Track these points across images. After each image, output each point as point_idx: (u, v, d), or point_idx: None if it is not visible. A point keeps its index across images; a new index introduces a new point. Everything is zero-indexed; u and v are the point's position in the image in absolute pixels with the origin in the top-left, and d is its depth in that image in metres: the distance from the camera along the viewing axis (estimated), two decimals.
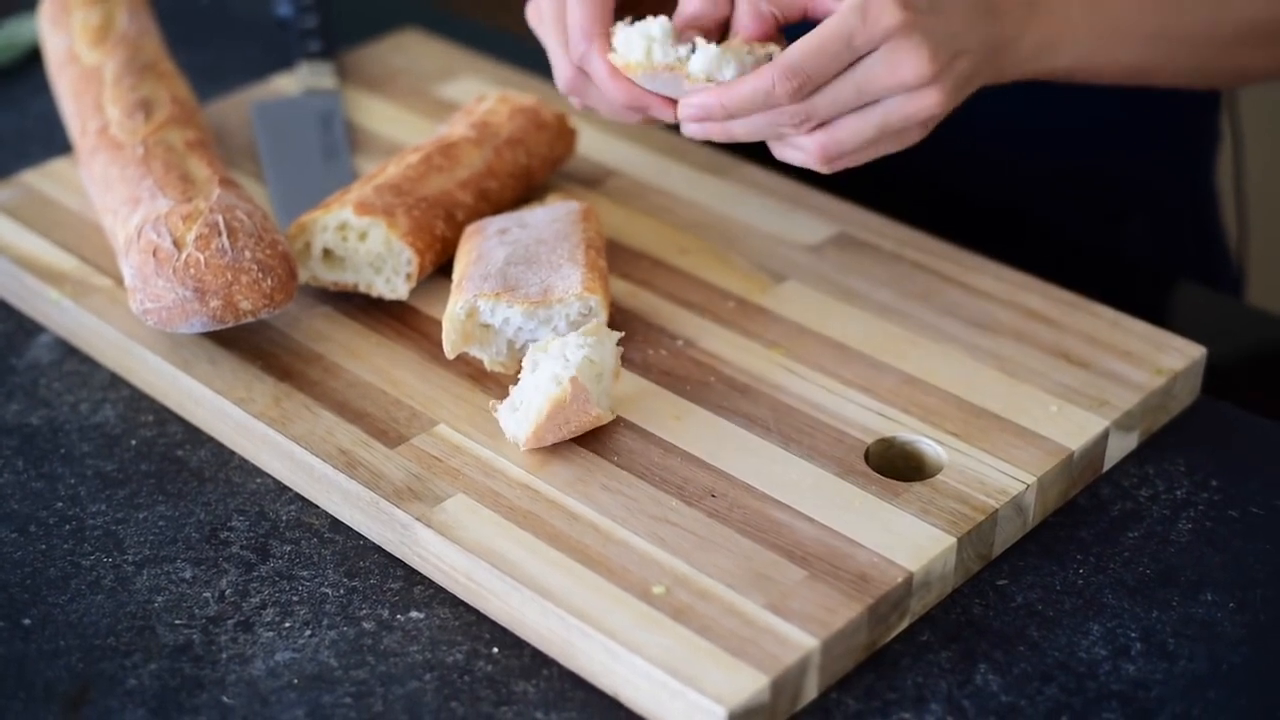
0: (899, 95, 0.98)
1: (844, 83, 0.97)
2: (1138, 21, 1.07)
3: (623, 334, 1.01)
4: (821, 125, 1.00)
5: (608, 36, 1.02)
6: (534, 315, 1.01)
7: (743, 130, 1.01)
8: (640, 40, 1.00)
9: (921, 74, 0.97)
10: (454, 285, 1.04)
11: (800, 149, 1.01)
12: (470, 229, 1.09)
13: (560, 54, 1.05)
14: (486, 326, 1.02)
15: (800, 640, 0.85)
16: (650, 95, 1.02)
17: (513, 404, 0.97)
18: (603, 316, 1.01)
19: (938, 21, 0.97)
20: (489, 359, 1.03)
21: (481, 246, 1.05)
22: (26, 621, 0.92)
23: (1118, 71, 1.09)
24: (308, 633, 0.91)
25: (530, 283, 1.02)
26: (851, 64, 0.97)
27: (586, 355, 0.96)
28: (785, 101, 0.97)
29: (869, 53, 0.97)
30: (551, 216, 1.07)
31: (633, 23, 1.01)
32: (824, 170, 1.02)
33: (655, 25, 1.00)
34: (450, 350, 1.02)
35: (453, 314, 1.01)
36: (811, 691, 0.87)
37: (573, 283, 1.01)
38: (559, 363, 0.95)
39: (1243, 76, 1.15)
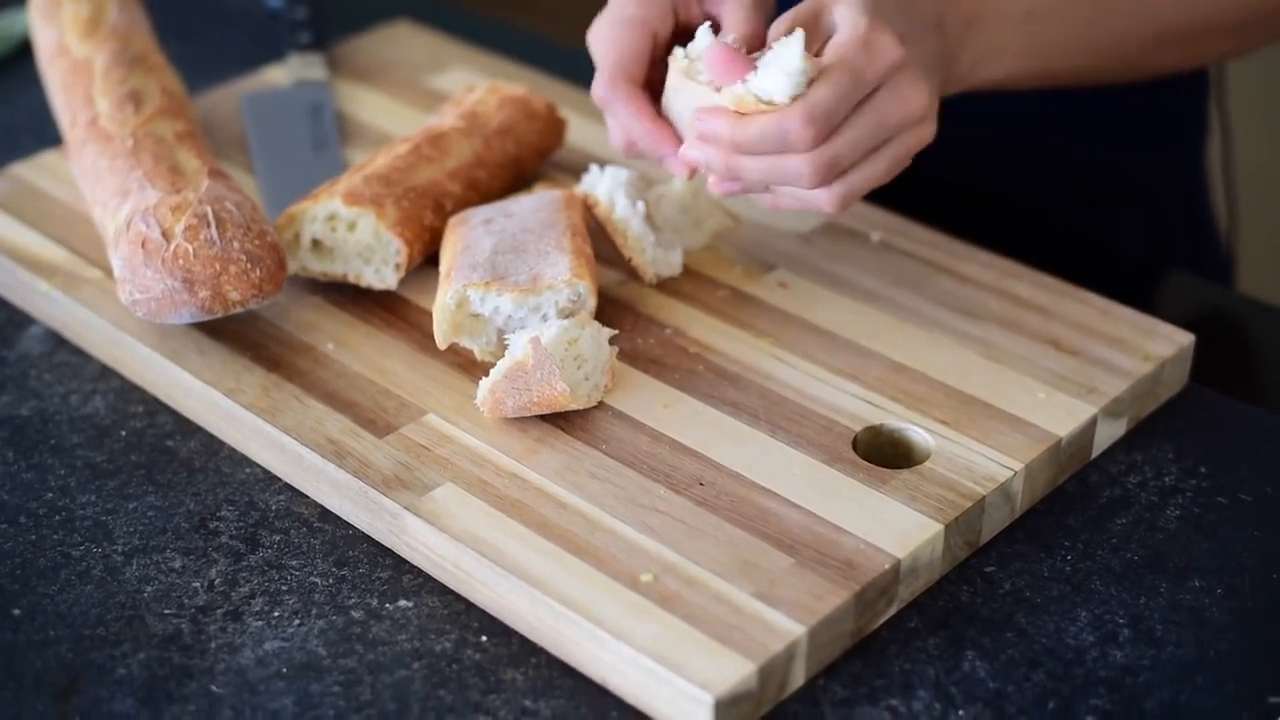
0: (907, 129, 0.98)
1: (861, 124, 0.96)
2: (1068, 35, 1.08)
3: (616, 332, 1.02)
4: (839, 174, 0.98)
5: (634, 81, 1.02)
6: (524, 303, 1.01)
7: (756, 171, 0.97)
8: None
9: (924, 105, 0.97)
10: (442, 276, 1.04)
11: (808, 198, 0.99)
12: (454, 220, 1.09)
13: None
14: (476, 316, 1.02)
15: (787, 627, 0.86)
16: (668, 141, 1.01)
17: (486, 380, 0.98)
18: (591, 302, 1.02)
19: (920, 50, 0.98)
20: (479, 349, 1.03)
21: (467, 237, 1.05)
22: (16, 612, 0.92)
23: (1049, 79, 1.11)
24: (296, 622, 0.91)
25: (519, 271, 1.02)
26: (859, 104, 0.96)
27: (561, 335, 0.96)
28: (803, 145, 0.94)
29: (875, 90, 0.96)
30: (536, 205, 1.07)
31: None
32: (833, 214, 1.01)
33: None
34: (442, 341, 1.02)
35: (443, 304, 1.01)
36: (799, 678, 0.87)
37: (561, 269, 1.01)
38: (532, 334, 0.96)
39: (1159, 72, 1.17)
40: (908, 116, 0.97)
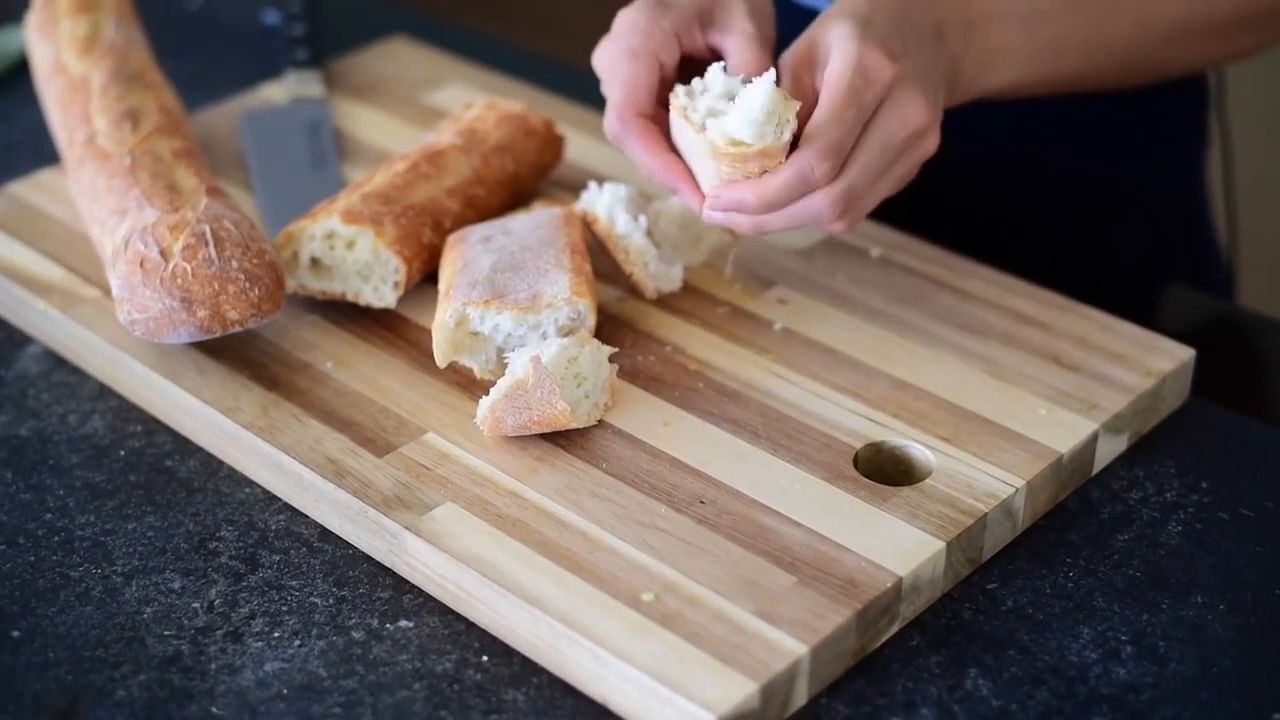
0: (912, 145, 0.99)
1: (869, 148, 0.98)
2: (1072, 36, 1.08)
3: (616, 350, 1.02)
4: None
5: (645, 116, 1.02)
6: (523, 321, 1.01)
7: (780, 222, 0.99)
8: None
9: (925, 117, 0.98)
10: (441, 294, 1.04)
11: (824, 225, 1.01)
12: (453, 238, 1.09)
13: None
14: (476, 334, 1.02)
15: (789, 646, 0.85)
16: (681, 175, 1.01)
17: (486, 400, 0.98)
18: (591, 320, 1.01)
19: (916, 62, 0.99)
20: (478, 367, 1.03)
21: (466, 255, 1.05)
22: (15, 633, 0.92)
23: (1055, 83, 1.11)
24: (297, 643, 0.91)
25: (518, 289, 1.02)
26: (864, 129, 0.97)
27: (560, 354, 0.96)
28: (825, 182, 0.97)
29: (876, 111, 0.97)
30: (535, 222, 1.07)
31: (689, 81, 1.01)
32: (842, 232, 1.02)
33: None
34: (441, 359, 1.02)
35: (442, 323, 1.01)
36: (801, 697, 0.87)
37: (561, 287, 1.01)
38: (532, 352, 0.96)
39: (1164, 73, 1.17)
40: (912, 131, 0.99)
